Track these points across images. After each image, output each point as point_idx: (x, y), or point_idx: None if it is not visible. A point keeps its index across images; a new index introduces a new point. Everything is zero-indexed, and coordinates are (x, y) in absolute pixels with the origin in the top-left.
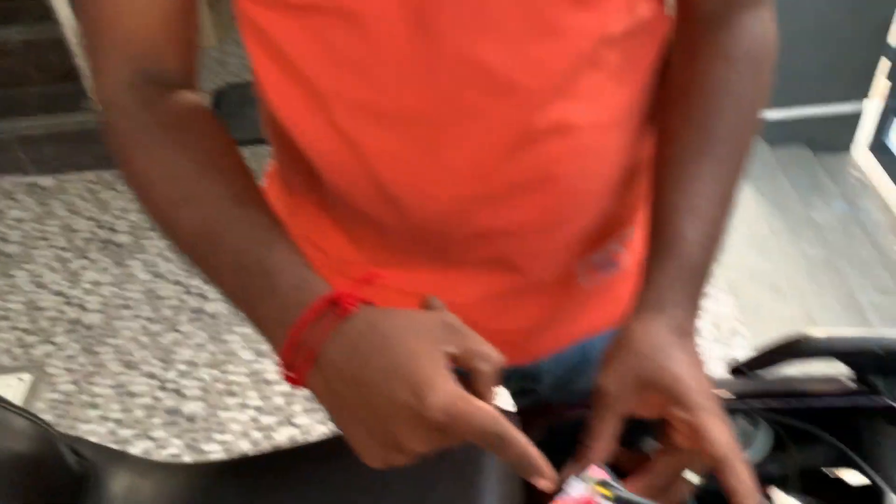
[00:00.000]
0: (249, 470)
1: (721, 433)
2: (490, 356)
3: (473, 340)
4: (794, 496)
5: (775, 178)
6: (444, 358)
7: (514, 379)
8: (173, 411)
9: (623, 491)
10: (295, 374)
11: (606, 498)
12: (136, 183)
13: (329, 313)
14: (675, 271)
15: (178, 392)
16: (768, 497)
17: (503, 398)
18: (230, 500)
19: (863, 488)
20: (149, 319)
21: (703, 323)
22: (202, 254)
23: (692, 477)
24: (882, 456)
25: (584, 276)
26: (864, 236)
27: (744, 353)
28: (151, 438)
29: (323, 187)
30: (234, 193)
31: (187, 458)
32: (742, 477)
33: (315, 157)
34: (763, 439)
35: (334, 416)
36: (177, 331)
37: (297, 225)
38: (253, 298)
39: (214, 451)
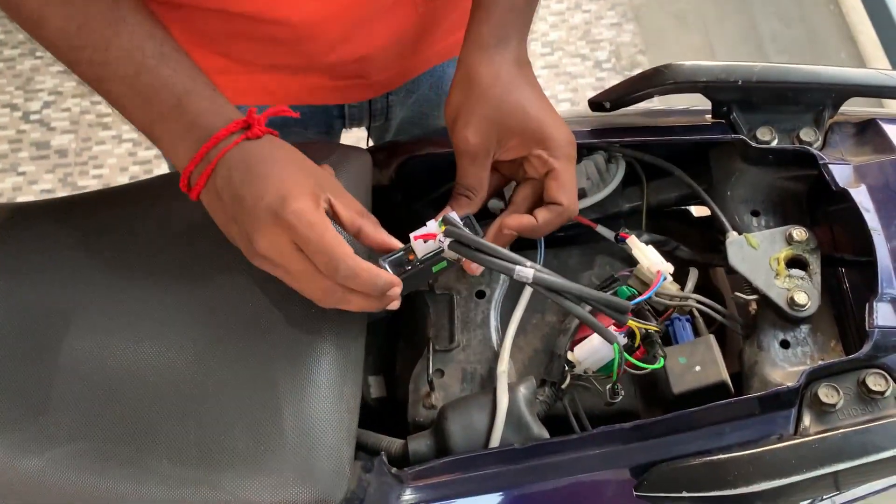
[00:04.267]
0: (82, 208)
1: (568, 182)
2: (368, 214)
3: (353, 201)
4: (644, 235)
5: None
6: (323, 198)
7: (364, 116)
8: (42, 145)
9: (459, 228)
10: (193, 186)
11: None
12: None
13: (238, 133)
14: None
15: (44, 124)
16: (624, 240)
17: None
18: (63, 239)
19: (706, 219)
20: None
21: (602, 53)
22: (81, 57)
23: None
24: (730, 191)
25: None
26: None
27: None
28: (20, 173)
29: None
30: None
31: (63, 193)
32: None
33: None
34: (617, 174)
35: (217, 222)
36: (37, 57)
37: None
38: (156, 115)
39: (91, 187)
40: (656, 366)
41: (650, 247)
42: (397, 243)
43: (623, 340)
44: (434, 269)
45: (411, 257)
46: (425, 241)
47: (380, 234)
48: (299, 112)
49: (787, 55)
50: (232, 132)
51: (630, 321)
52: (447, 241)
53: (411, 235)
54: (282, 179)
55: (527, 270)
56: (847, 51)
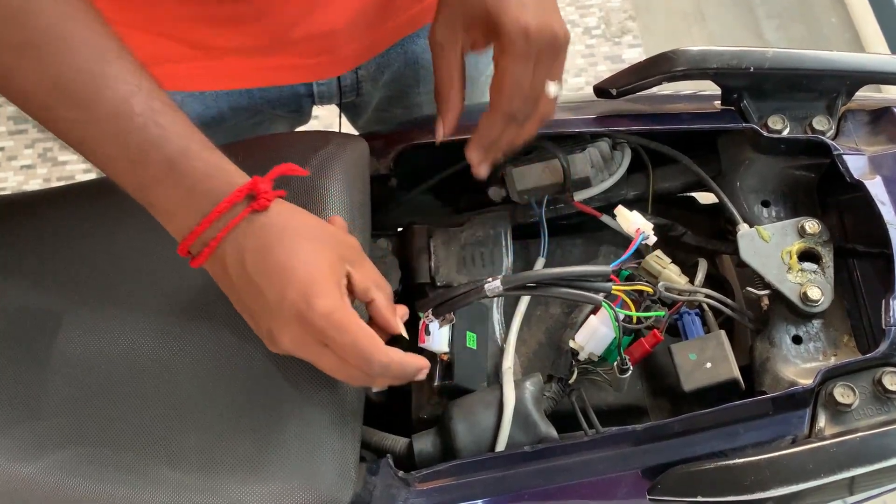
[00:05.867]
0: (66, 202)
1: (506, 80)
2: (384, 283)
3: (370, 268)
4: (648, 217)
5: None
6: (344, 274)
7: (334, 93)
8: (20, 119)
9: (427, 298)
10: (194, 258)
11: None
12: None
13: (243, 204)
14: None
15: None
16: (614, 215)
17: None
18: (50, 235)
19: (712, 207)
20: None
21: (592, 19)
22: (58, 115)
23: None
24: (740, 180)
25: None
26: None
27: (633, 52)
28: None
29: None
30: (98, 44)
31: (42, 170)
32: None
33: None
34: (623, 162)
35: (227, 295)
36: None
37: None
38: (149, 179)
39: (72, 162)
40: (658, 313)
41: (634, 211)
42: (401, 329)
43: (620, 316)
44: (471, 345)
45: (444, 358)
46: (428, 334)
47: (388, 313)
48: (265, 94)
49: (778, 19)
50: (235, 202)
51: (616, 287)
52: (429, 313)
53: (421, 346)
54: (302, 270)
55: (494, 283)
56: (838, 15)
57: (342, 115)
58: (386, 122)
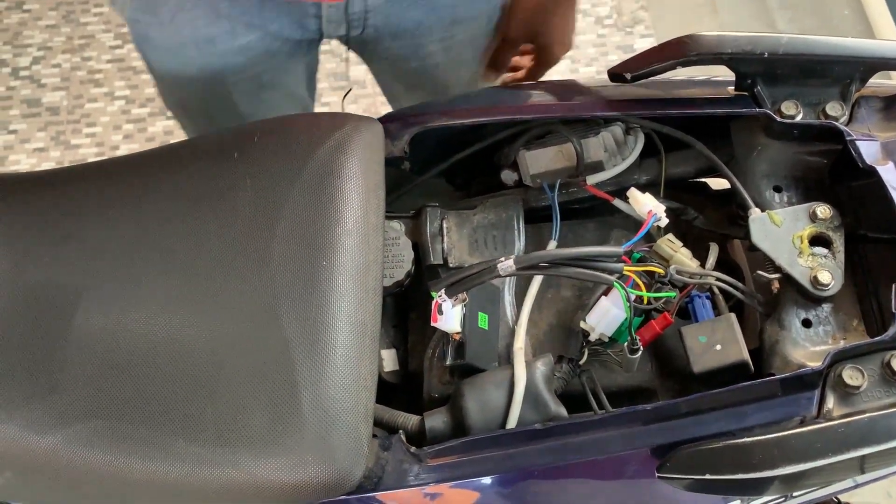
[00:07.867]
0: (86, 180)
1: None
2: None
3: None
4: (661, 201)
5: None
6: None
7: (342, 20)
8: (33, 102)
9: (438, 279)
10: None
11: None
12: None
13: None
14: None
15: (34, 80)
16: (626, 199)
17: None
18: (71, 213)
19: (724, 192)
20: None
21: (604, 9)
22: None
23: None
24: (752, 165)
25: None
26: None
27: (645, 42)
28: (12, 132)
29: None
30: None
31: (55, 153)
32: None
33: None
34: (636, 147)
35: None
36: (25, 11)
37: None
38: None
39: (84, 145)
40: (669, 294)
41: (646, 194)
42: None
43: (632, 297)
44: (483, 325)
45: (456, 337)
46: (441, 313)
47: None
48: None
49: (791, 10)
50: None
51: (627, 268)
52: (441, 292)
53: (433, 324)
54: None
55: (507, 262)
56: (850, 6)
57: (349, 53)
58: (402, 79)
